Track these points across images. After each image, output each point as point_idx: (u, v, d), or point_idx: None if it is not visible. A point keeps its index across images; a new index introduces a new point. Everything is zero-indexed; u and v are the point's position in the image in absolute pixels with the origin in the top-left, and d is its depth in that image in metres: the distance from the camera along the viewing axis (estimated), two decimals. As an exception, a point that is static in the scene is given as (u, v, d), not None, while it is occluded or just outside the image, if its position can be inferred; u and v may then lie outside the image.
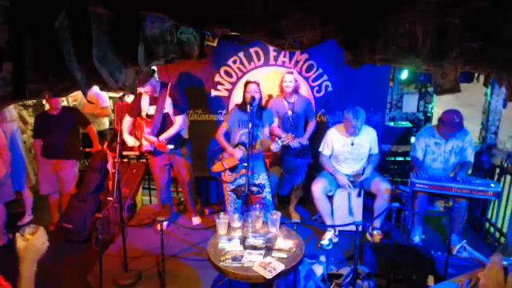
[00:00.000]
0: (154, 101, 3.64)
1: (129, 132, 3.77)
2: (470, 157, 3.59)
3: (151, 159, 3.89)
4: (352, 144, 3.66)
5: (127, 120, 3.75)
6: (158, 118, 3.62)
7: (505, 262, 1.65)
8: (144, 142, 3.64)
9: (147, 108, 3.67)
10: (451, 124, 3.43)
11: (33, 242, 1.59)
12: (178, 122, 3.67)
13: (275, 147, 3.28)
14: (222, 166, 3.55)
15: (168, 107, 3.65)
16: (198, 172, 4.24)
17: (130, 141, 3.74)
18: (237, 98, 4.17)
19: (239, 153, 3.40)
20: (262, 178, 3.52)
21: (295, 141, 3.72)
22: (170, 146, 3.63)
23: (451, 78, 2.08)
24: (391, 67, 4.25)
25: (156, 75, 4.02)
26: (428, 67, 2.14)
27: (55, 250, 3.73)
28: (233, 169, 3.50)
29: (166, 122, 3.67)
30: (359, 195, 3.77)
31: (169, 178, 4.00)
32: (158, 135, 3.63)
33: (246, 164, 3.04)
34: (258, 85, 3.47)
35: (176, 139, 3.73)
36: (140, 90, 3.58)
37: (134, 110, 3.72)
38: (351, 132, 3.59)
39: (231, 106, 4.23)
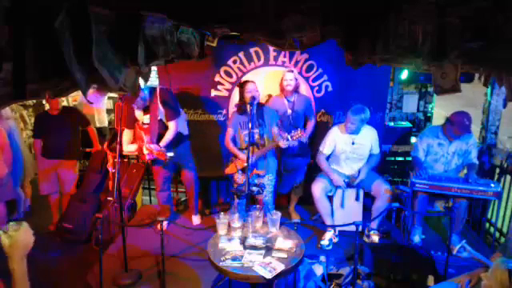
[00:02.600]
0: (146, 110, 3.62)
1: (129, 143, 3.78)
2: (475, 159, 3.61)
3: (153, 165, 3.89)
4: (353, 143, 3.66)
5: (126, 133, 3.72)
6: (154, 126, 3.59)
7: (510, 264, 1.65)
8: (145, 151, 3.61)
9: (142, 117, 3.65)
10: (460, 126, 3.42)
11: (17, 237, 1.57)
12: (171, 127, 3.64)
13: (284, 143, 3.28)
14: (234, 168, 3.56)
15: (161, 114, 3.61)
16: (198, 172, 4.23)
17: (133, 148, 3.77)
18: (237, 97, 4.17)
19: (244, 156, 3.41)
20: (266, 178, 3.53)
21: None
22: (170, 154, 3.59)
23: (451, 78, 2.08)
24: (391, 67, 4.25)
25: (142, 85, 4.00)
26: (428, 67, 2.14)
27: (55, 250, 3.76)
28: (245, 170, 3.50)
29: (162, 128, 3.65)
30: (357, 199, 3.75)
31: (169, 178, 4.00)
32: (158, 141, 3.61)
33: (246, 164, 3.05)
34: (255, 84, 3.47)
35: (176, 140, 3.72)
36: (133, 106, 3.57)
37: (129, 121, 3.68)
38: (348, 128, 3.59)
39: (231, 106, 4.23)
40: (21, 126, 5.06)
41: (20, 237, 1.56)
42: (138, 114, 3.67)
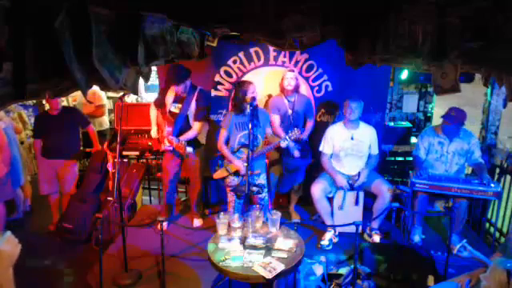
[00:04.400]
0: (178, 99, 3.67)
1: (156, 122, 3.87)
2: (480, 158, 3.60)
3: (166, 155, 3.89)
4: (352, 138, 3.66)
5: (153, 111, 3.87)
6: (181, 119, 3.64)
7: (508, 265, 1.65)
8: (166, 143, 3.66)
9: (170, 104, 3.70)
10: (446, 116, 3.48)
11: (3, 249, 1.52)
12: (196, 127, 3.69)
13: (284, 144, 3.28)
14: (225, 172, 3.52)
15: (191, 111, 3.66)
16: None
17: (154, 132, 3.86)
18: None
19: (239, 163, 3.38)
20: (261, 178, 3.52)
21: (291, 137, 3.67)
22: (189, 149, 3.63)
23: (451, 78, 2.08)
24: (391, 67, 4.25)
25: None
26: (428, 67, 2.14)
27: (55, 250, 3.77)
28: (237, 173, 3.48)
29: (186, 124, 3.69)
30: (357, 203, 3.74)
31: (178, 177, 4.00)
32: (177, 136, 3.65)
33: (246, 164, 3.04)
34: (254, 84, 3.45)
35: (193, 142, 3.76)
36: (173, 87, 3.63)
37: (159, 102, 3.79)
38: (349, 115, 3.58)
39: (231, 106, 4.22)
40: (20, 125, 5.06)
41: (5, 247, 1.51)
42: (168, 99, 3.71)
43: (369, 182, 3.70)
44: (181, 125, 3.66)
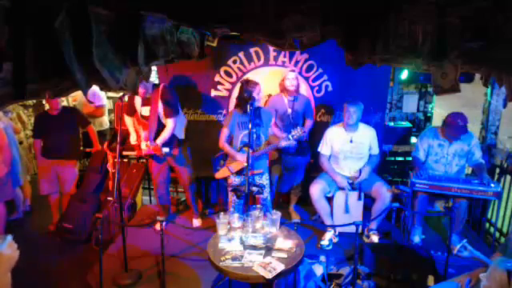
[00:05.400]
0: (146, 101, 3.61)
1: (134, 129, 3.81)
2: (481, 159, 3.59)
3: (150, 160, 3.89)
4: (351, 141, 3.66)
5: (127, 119, 3.79)
6: (154, 121, 3.58)
7: (509, 265, 1.65)
8: (144, 147, 3.62)
9: (140, 108, 3.66)
10: (454, 127, 3.43)
11: (4, 252, 1.52)
12: (169, 125, 3.61)
13: (286, 143, 3.28)
14: (227, 171, 3.50)
15: (160, 109, 3.61)
16: (198, 172, 4.23)
17: (132, 138, 3.79)
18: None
19: (243, 157, 3.31)
20: (264, 178, 3.51)
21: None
22: (165, 149, 3.59)
23: (451, 78, 2.08)
24: (391, 67, 4.25)
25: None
26: (428, 67, 2.14)
27: (55, 250, 3.77)
28: (240, 172, 3.45)
29: (161, 125, 3.64)
30: (359, 198, 3.74)
31: (167, 178, 3.98)
32: (155, 138, 3.61)
33: (246, 164, 3.03)
34: (260, 85, 3.42)
35: (171, 141, 3.69)
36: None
37: (129, 109, 3.73)
38: (348, 119, 3.56)
39: (231, 106, 4.22)
40: (18, 125, 5.06)
41: (5, 251, 1.51)
42: (137, 104, 3.66)
43: (368, 185, 3.69)
44: (155, 126, 3.60)
